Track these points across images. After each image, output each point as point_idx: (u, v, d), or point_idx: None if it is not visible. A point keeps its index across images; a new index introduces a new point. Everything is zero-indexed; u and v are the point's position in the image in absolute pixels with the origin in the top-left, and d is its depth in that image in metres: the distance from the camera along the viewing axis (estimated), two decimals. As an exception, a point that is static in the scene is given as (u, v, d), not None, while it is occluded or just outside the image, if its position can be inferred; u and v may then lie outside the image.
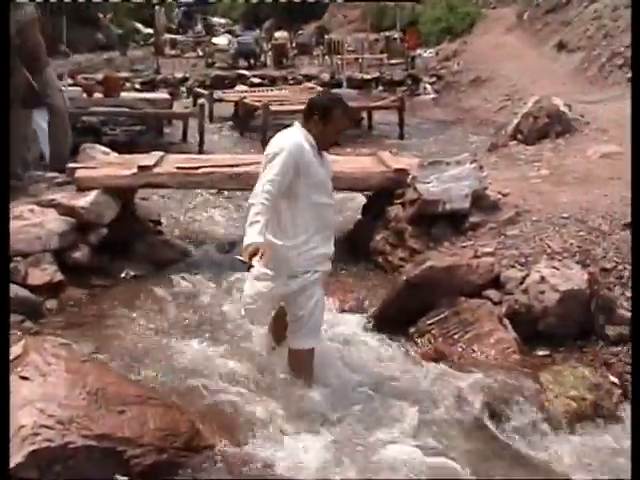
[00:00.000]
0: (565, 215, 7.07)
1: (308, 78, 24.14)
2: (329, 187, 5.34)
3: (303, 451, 4.76)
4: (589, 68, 17.87)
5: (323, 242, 5.26)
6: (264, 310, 5.58)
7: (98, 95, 15.21)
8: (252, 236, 4.80)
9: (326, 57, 27.52)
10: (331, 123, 5.24)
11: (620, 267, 6.24)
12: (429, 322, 6.26)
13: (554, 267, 6.18)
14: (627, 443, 4.85)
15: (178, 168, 8.21)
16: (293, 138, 5.15)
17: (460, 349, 5.97)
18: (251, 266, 4.91)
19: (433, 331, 6.20)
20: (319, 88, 20.47)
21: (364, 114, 17.88)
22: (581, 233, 6.73)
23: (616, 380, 5.52)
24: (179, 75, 24.54)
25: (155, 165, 8.23)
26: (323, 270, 5.35)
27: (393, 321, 6.39)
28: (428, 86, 23.62)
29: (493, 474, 4.70)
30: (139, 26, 36.64)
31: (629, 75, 15.65)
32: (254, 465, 4.60)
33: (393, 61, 26.00)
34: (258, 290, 5.37)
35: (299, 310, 5.31)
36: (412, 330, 6.30)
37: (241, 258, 4.87)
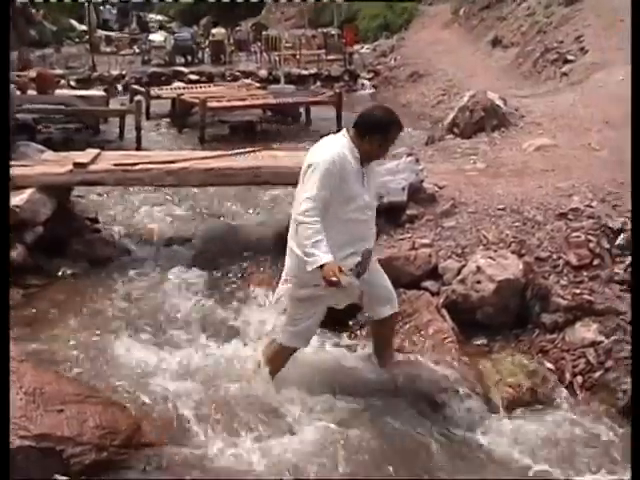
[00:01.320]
0: (501, 206, 7.15)
1: (246, 74, 24.08)
2: (364, 202, 5.09)
3: (242, 450, 4.76)
4: (523, 63, 18.14)
5: (344, 258, 4.96)
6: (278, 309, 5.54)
7: (32, 92, 14.99)
8: (323, 257, 4.69)
9: (264, 53, 27.49)
10: (388, 141, 5.12)
11: (555, 256, 6.34)
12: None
13: (490, 257, 6.27)
14: (563, 425, 5.01)
15: (115, 165, 8.13)
16: (334, 150, 4.95)
17: (399, 340, 5.99)
18: (337, 284, 4.71)
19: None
20: (257, 84, 20.49)
21: (302, 109, 17.89)
22: (516, 224, 6.82)
23: (552, 366, 5.65)
24: (115, 72, 24.28)
25: (91, 162, 8.14)
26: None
27: (334, 315, 6.39)
28: (366, 82, 23.78)
29: (434, 459, 4.78)
30: (74, 23, 36.17)
31: (562, 70, 15.95)
32: (193, 463, 4.60)
33: (331, 57, 26.08)
34: (279, 290, 5.37)
35: (294, 312, 5.27)
36: (352, 323, 6.33)
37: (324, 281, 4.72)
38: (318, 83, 23.46)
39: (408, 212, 7.29)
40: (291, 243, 5.14)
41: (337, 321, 6.29)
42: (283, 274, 5.29)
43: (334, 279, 4.65)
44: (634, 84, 4.91)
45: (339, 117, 16.59)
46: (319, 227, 4.75)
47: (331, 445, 4.81)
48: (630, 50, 5.02)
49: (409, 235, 6.94)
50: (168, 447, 4.71)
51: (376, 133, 5.02)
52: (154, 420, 4.98)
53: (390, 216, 7.28)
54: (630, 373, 4.31)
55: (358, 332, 6.25)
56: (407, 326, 6.05)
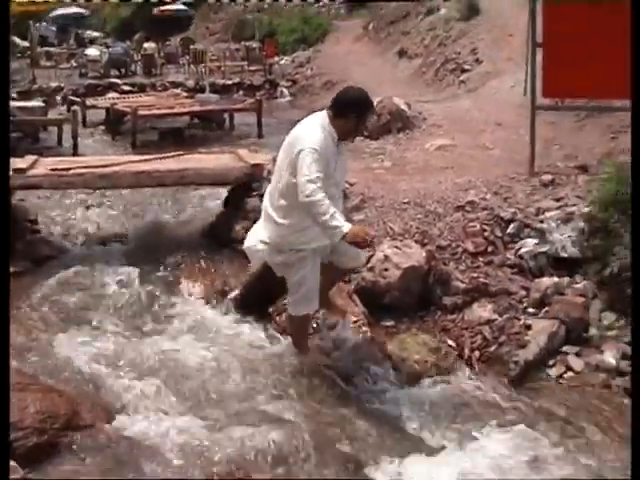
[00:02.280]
0: (405, 201, 7.22)
1: (175, 85, 23.82)
2: (337, 178, 5.10)
3: (177, 431, 4.67)
4: (426, 72, 18.34)
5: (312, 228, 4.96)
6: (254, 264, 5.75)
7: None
8: (345, 225, 4.69)
9: (191, 65, 27.20)
10: (363, 119, 5.13)
11: (454, 244, 6.44)
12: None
13: (396, 247, 6.32)
14: (463, 393, 5.09)
15: (51, 170, 7.99)
16: (319, 135, 4.90)
17: (315, 325, 5.99)
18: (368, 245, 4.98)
19: (290, 309, 6.24)
20: (184, 94, 20.30)
21: (226, 116, 17.80)
22: (419, 216, 6.90)
23: (453, 343, 5.73)
24: (54, 84, 23.78)
25: (30, 168, 7.98)
26: (312, 247, 5.14)
27: (254, 302, 6.40)
28: (284, 90, 23.72)
29: (347, 421, 4.84)
30: (16, 40, 35.33)
31: (460, 78, 16.19)
32: (127, 442, 4.53)
33: (253, 68, 25.95)
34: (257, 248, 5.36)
35: (289, 281, 5.28)
36: (272, 309, 6.32)
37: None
38: (241, 92, 23.31)
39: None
40: (270, 211, 5.18)
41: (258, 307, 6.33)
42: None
43: (367, 238, 4.78)
44: (634, 86, 4.97)
45: (260, 122, 16.56)
46: (328, 202, 4.69)
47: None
48: (631, 52, 5.03)
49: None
50: (104, 427, 4.64)
51: (351, 112, 4.98)
52: (91, 403, 4.90)
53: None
54: (630, 376, 4.38)
55: (278, 319, 6.23)
56: (320, 312, 6.05)
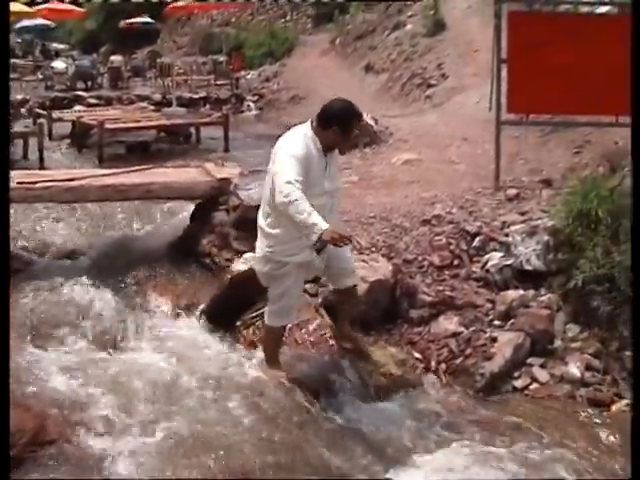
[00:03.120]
0: (372, 215, 7.27)
1: (141, 98, 23.71)
2: (324, 189, 5.02)
3: (143, 446, 4.68)
4: (392, 87, 18.43)
5: (302, 237, 4.91)
6: None
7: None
8: (322, 224, 4.60)
9: (158, 79, 27.13)
10: (348, 131, 5.08)
11: (420, 258, 6.49)
12: (253, 315, 6.30)
13: (363, 261, 6.36)
14: (428, 407, 5.14)
15: (17, 183, 7.92)
16: (300, 143, 4.92)
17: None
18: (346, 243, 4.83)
19: (257, 322, 6.24)
20: (151, 107, 20.24)
21: (193, 130, 17.80)
22: (386, 230, 6.95)
23: (420, 356, 5.77)
24: (19, 97, 23.58)
25: (-7, 181, 7.91)
26: (297, 261, 5.16)
27: (221, 316, 6.42)
28: (251, 104, 23.73)
29: (313, 441, 4.82)
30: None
31: (426, 93, 16.30)
32: (92, 457, 4.53)
33: (219, 82, 25.92)
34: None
35: (271, 292, 5.33)
36: (238, 323, 6.34)
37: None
38: (207, 106, 23.28)
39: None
40: (260, 222, 5.25)
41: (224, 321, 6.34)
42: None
43: (344, 235, 4.72)
44: (634, 89, 5.05)
45: (226, 136, 16.54)
46: (306, 202, 4.66)
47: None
48: (634, 59, 5.08)
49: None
50: (70, 442, 4.63)
51: (336, 124, 4.97)
52: (57, 418, 4.88)
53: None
54: (632, 378, 4.44)
55: (244, 332, 6.25)
56: (289, 325, 6.08)
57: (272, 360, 5.51)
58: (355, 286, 5.57)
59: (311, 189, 4.88)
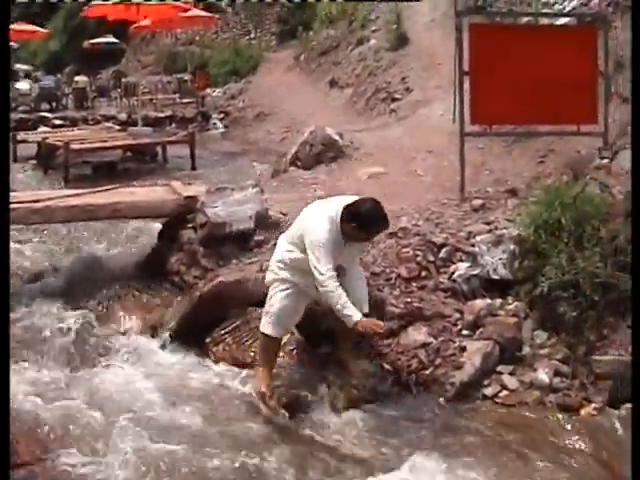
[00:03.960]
0: (339, 229, 7.28)
1: (106, 118, 23.68)
2: (336, 263, 5.19)
3: (117, 466, 4.68)
4: (357, 102, 18.52)
5: (302, 273, 5.33)
6: None
7: None
8: (356, 315, 5.06)
9: (123, 99, 27.04)
10: (368, 234, 5.39)
11: (388, 270, 6.50)
12: (223, 332, 6.33)
13: (331, 274, 6.36)
14: (399, 418, 5.16)
15: (-20, 206, 7.87)
16: (325, 228, 5.13)
17: (252, 354, 6.07)
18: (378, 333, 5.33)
19: (227, 339, 6.28)
20: (117, 127, 20.17)
21: (159, 149, 17.77)
22: (353, 243, 6.96)
23: (390, 367, 5.76)
24: (-20, 119, 23.44)
25: (-43, 204, 7.84)
26: (296, 284, 5.42)
27: (190, 333, 6.41)
28: (217, 122, 23.76)
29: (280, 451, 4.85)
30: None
31: (391, 107, 16.39)
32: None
33: (185, 100, 25.90)
34: None
35: (268, 299, 5.55)
36: (208, 340, 6.35)
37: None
38: (173, 124, 23.26)
39: (256, 238, 7.34)
40: (283, 246, 5.54)
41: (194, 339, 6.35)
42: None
43: (377, 329, 5.15)
44: (634, 91, 5.10)
45: (193, 155, 16.52)
46: (342, 294, 5.06)
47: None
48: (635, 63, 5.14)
49: (257, 259, 6.96)
50: (42, 464, 4.60)
51: (355, 222, 5.15)
52: (28, 441, 4.85)
53: (239, 242, 7.33)
54: (632, 380, 4.46)
55: (214, 349, 6.26)
56: (258, 341, 6.08)
57: (262, 376, 5.53)
58: (366, 314, 5.46)
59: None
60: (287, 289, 5.46)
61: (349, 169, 10.80)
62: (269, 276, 5.62)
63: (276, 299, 5.49)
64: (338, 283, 5.07)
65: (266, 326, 5.53)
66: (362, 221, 5.16)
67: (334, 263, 5.13)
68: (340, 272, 5.22)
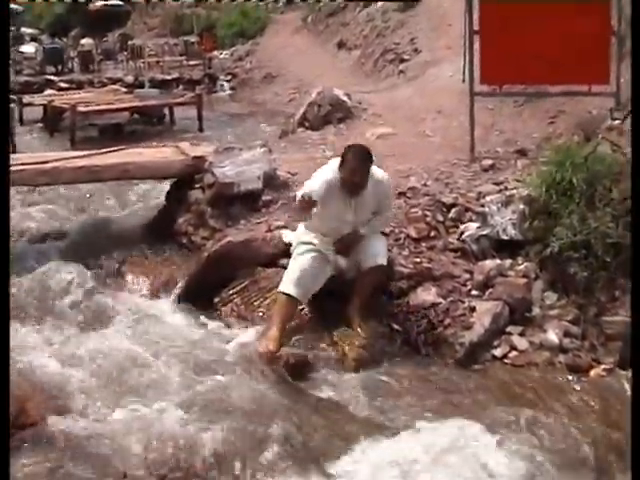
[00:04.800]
0: (347, 189, 7.23)
1: (113, 81, 23.59)
2: (345, 219, 5.67)
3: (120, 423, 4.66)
4: (365, 63, 18.40)
5: (325, 236, 5.70)
6: None
7: None
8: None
9: (129, 61, 26.95)
10: (346, 168, 5.52)
11: (397, 231, 6.44)
12: (231, 292, 6.31)
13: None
14: (408, 379, 5.15)
15: (-13, 168, 7.83)
16: (320, 176, 5.62)
17: (261, 314, 6.06)
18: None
19: (235, 300, 6.26)
20: (123, 89, 20.09)
21: (166, 111, 17.69)
22: (361, 204, 6.91)
23: (399, 328, 5.73)
24: (-14, 82, 23.34)
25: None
26: (315, 246, 5.65)
27: (199, 294, 6.41)
28: (224, 84, 23.67)
29: (295, 415, 4.80)
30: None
31: (399, 68, 16.26)
32: (74, 439, 4.48)
33: (192, 62, 25.81)
34: None
35: (290, 262, 5.74)
36: (216, 300, 6.33)
37: None
38: (180, 86, 23.18)
39: (264, 198, 7.31)
40: None
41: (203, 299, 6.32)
42: None
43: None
44: (634, 90, 5.02)
45: (200, 116, 16.50)
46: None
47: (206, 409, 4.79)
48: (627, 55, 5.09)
49: (265, 219, 6.95)
50: (51, 420, 4.60)
51: (344, 162, 5.55)
52: (37, 400, 4.83)
53: (247, 203, 7.29)
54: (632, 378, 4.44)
55: (223, 309, 6.25)
56: (267, 301, 6.07)
57: (270, 331, 5.51)
58: (381, 265, 5.68)
59: (333, 217, 5.64)
60: (310, 251, 5.61)
61: (357, 130, 10.73)
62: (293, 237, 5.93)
63: (299, 260, 5.61)
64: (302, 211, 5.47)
65: (287, 285, 5.56)
66: (346, 159, 5.54)
67: (328, 212, 5.53)
68: (357, 239, 5.68)
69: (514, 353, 5.48)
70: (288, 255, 6.04)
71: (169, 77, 24.05)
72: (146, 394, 5.00)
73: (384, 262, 5.69)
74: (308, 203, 5.30)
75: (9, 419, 3.90)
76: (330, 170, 5.64)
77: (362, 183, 5.56)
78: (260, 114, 17.75)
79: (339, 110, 11.45)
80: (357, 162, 5.54)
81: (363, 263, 5.70)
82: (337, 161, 5.63)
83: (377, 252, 5.68)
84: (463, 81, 8.59)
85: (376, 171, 5.76)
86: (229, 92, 23.05)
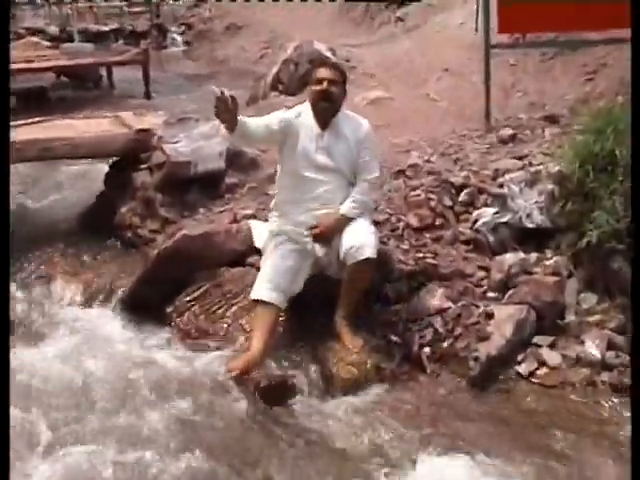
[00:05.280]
0: (332, 167, 7.25)
1: (32, 31, 23.43)
2: (318, 162, 5.78)
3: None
4: (354, 8, 18.39)
5: (297, 213, 5.80)
6: None
7: None
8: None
9: (53, 7, 26.80)
10: (310, 81, 5.95)
11: (394, 219, 6.50)
12: (188, 299, 6.34)
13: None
14: (409, 404, 5.17)
15: None
16: (292, 110, 5.94)
17: (226, 325, 6.08)
18: None
19: (194, 308, 6.28)
20: (46, 43, 20.00)
21: (103, 71, 17.65)
22: (350, 185, 6.94)
23: (398, 339, 5.76)
24: None
25: None
26: (290, 235, 5.78)
27: (147, 302, 6.40)
28: (177, 37, 23.64)
29: (273, 454, 4.81)
30: None
31: (397, 14, 16.28)
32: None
33: (134, 10, 25.76)
34: None
35: (262, 261, 5.88)
36: (170, 310, 6.35)
37: None
38: (121, 41, 23.13)
39: (227, 180, 7.36)
40: None
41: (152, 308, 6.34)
42: None
43: None
44: (634, 89, 5.06)
45: (147, 78, 16.45)
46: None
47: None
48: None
49: (230, 206, 6.99)
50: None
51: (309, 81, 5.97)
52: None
53: (207, 186, 7.32)
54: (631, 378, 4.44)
55: (178, 321, 6.28)
56: (234, 308, 6.10)
57: (251, 347, 5.58)
58: (369, 258, 5.62)
59: (301, 160, 5.78)
60: (285, 243, 5.75)
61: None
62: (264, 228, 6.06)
63: (273, 256, 5.73)
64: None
65: (260, 290, 5.65)
66: (313, 71, 6.00)
67: (299, 153, 5.77)
68: (338, 222, 5.73)
69: (543, 370, 5.49)
70: (259, 251, 6.07)
71: (106, 28, 23.98)
72: (84, 439, 4.99)
73: (373, 254, 5.62)
74: (233, 104, 5.34)
75: (9, 419, 4.04)
76: (297, 108, 5.96)
77: (334, 97, 5.79)
78: (222, 75, 17.70)
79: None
80: (326, 69, 5.92)
81: (347, 256, 5.64)
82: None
83: (363, 241, 5.60)
84: (476, 30, 8.62)
85: (354, 115, 6.07)
86: (183, 47, 23.05)
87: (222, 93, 5.27)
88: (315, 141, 5.78)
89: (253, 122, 5.62)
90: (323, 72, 5.83)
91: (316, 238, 5.75)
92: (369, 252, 5.56)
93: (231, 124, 5.42)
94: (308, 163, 5.76)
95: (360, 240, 5.58)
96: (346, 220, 5.74)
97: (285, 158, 5.83)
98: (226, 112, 5.32)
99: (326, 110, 5.78)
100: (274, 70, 12.03)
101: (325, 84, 5.73)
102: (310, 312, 5.95)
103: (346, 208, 5.76)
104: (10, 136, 6.03)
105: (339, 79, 5.86)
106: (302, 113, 5.84)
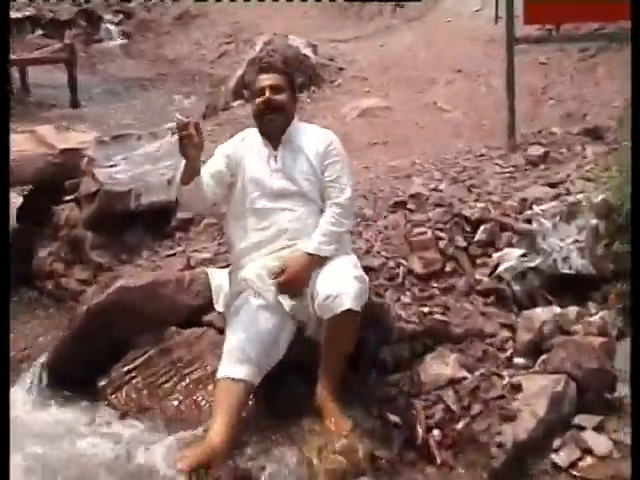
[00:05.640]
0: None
1: None
2: (273, 188, 5.93)
3: None
4: (340, -8, 18.52)
5: (259, 256, 5.88)
6: None
7: None
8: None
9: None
10: (254, 90, 6.18)
11: (392, 263, 6.52)
12: (127, 369, 6.32)
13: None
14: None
15: None
16: (234, 137, 6.25)
17: (177, 402, 6.06)
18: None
19: (134, 381, 6.27)
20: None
21: (16, 72, 17.69)
22: (336, 220, 6.97)
23: (398, 420, 5.74)
24: None
25: None
26: (255, 292, 5.76)
27: (73, 373, 6.38)
28: (112, 27, 23.67)
29: None
30: None
31: (393, 3, 16.40)
32: None
33: (56, -9, 25.84)
34: None
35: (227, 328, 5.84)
36: (103, 383, 6.33)
37: None
38: (39, 31, 23.15)
39: (179, 215, 7.35)
40: None
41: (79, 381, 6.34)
42: None
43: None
44: (634, 87, 5.13)
45: (73, 81, 16.43)
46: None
47: None
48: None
49: (181, 248, 6.99)
50: None
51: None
52: None
53: (152, 223, 7.32)
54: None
55: (113, 397, 6.26)
56: (186, 381, 6.09)
57: (213, 431, 5.49)
58: (349, 310, 5.49)
59: (250, 191, 5.96)
60: (250, 301, 5.73)
61: (328, 102, 10.86)
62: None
63: (243, 317, 5.70)
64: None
65: (229, 365, 5.59)
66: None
67: (252, 180, 5.94)
68: (307, 264, 5.74)
69: (588, 461, 5.44)
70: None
71: (19, 15, 24.00)
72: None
73: (355, 305, 5.49)
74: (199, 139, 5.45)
75: (9, 418, 4.41)
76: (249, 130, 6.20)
77: (280, 105, 5.94)
78: (172, 78, 17.76)
79: (298, 70, 11.49)
80: (267, 74, 6.09)
81: (322, 309, 5.59)
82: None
83: (341, 289, 5.51)
84: (496, 19, 8.69)
85: (313, 126, 6.32)
86: (120, 41, 23.06)
87: (188, 122, 5.40)
88: (267, 163, 5.96)
89: (203, 172, 5.73)
90: (264, 79, 5.98)
91: (282, 288, 5.72)
92: (349, 302, 5.42)
93: (192, 168, 5.52)
94: (262, 192, 5.91)
95: (337, 287, 5.49)
96: (318, 260, 5.74)
97: (232, 196, 5.95)
98: (194, 148, 5.39)
99: (273, 123, 5.92)
100: (238, 73, 12.09)
101: (267, 92, 5.86)
102: (285, 383, 5.94)
103: (314, 244, 5.76)
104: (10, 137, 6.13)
105: (285, 84, 5.99)
106: (247, 136, 6.11)
